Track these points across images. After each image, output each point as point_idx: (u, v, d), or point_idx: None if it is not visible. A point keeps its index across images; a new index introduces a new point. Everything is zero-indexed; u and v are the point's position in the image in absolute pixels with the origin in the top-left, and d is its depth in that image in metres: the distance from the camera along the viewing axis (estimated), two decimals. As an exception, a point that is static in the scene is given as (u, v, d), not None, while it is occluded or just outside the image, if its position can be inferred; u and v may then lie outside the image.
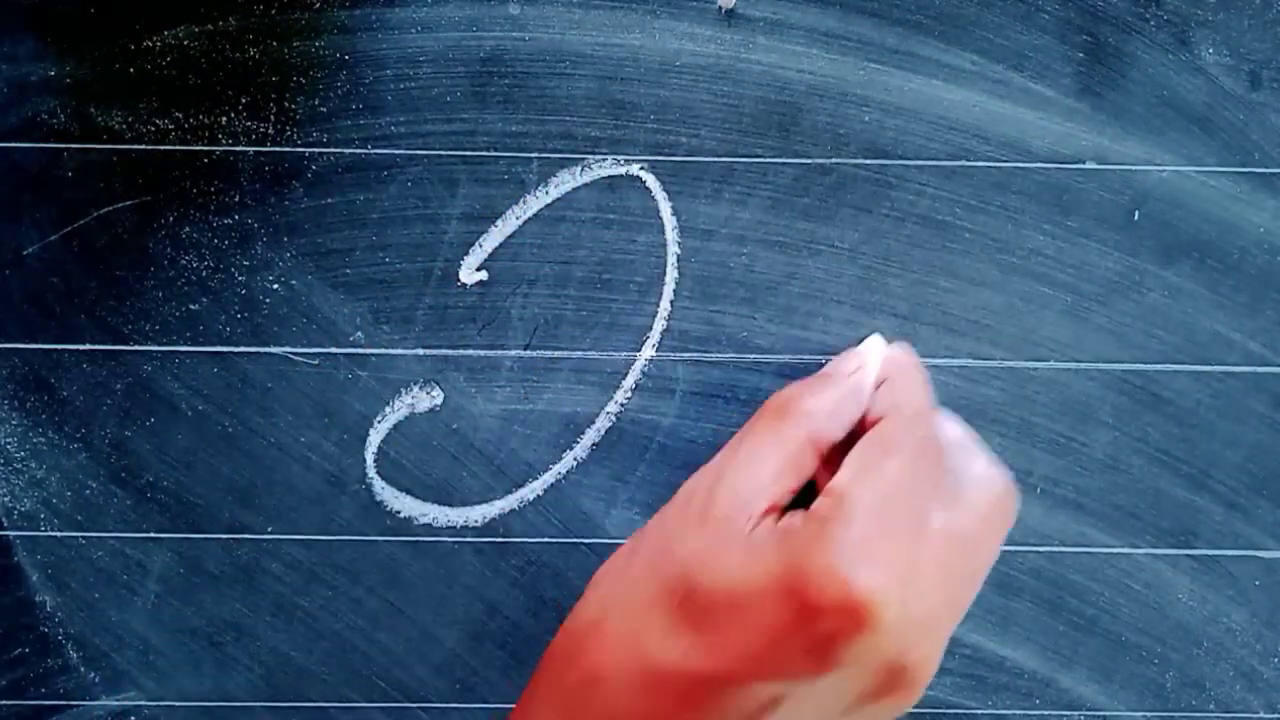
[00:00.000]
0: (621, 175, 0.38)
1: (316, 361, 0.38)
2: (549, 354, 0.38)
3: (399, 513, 0.39)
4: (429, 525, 0.39)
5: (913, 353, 0.36)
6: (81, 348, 0.38)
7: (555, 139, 0.37)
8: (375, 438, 0.39)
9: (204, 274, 0.38)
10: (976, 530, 0.32)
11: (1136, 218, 0.38)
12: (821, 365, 0.37)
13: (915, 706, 0.40)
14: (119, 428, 0.38)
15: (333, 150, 0.37)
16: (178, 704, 0.39)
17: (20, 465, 0.38)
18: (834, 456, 0.33)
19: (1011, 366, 0.38)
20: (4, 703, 0.39)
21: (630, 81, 0.37)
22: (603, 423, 0.39)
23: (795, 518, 0.31)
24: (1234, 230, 0.38)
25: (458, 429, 0.39)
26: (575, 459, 0.39)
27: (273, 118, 0.37)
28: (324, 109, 0.37)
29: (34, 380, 0.38)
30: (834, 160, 0.38)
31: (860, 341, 0.37)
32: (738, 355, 0.38)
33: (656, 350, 0.38)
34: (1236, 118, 0.38)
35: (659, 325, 0.38)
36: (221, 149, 0.37)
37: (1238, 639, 0.40)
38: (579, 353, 0.38)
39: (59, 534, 0.39)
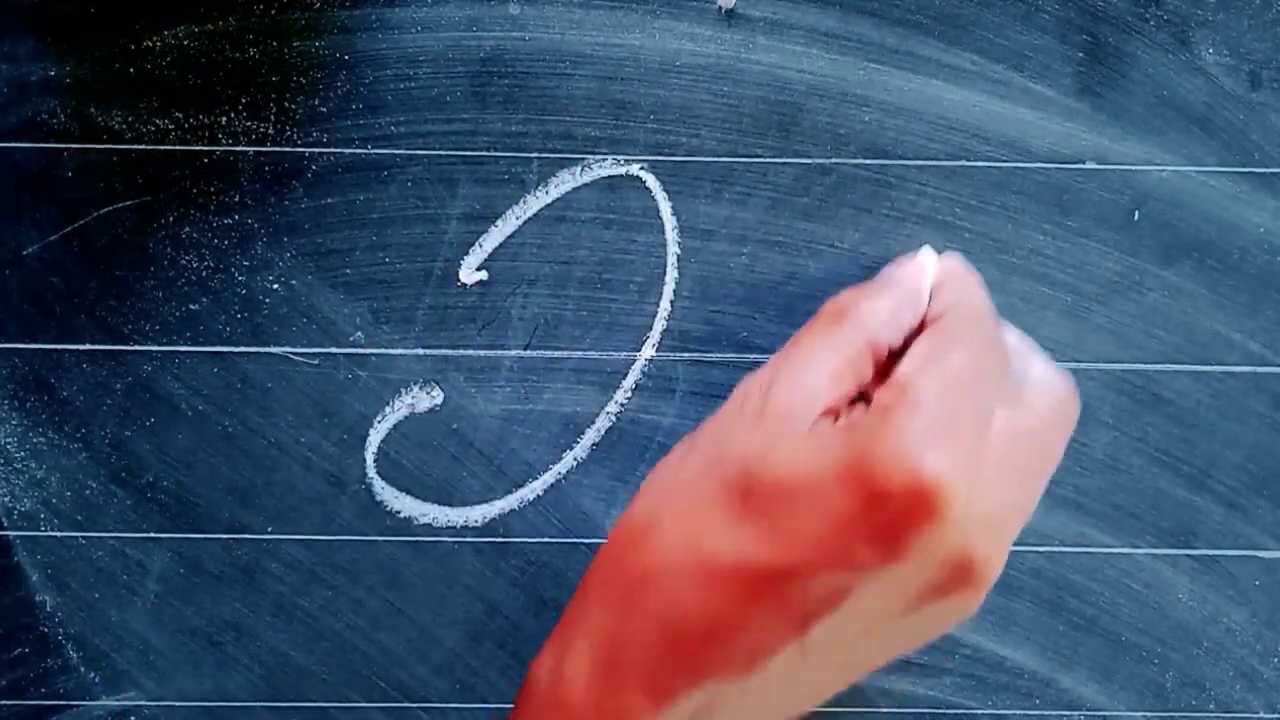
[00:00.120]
0: (621, 175, 0.38)
1: (316, 361, 0.38)
2: (549, 354, 0.38)
3: (399, 513, 0.39)
4: (429, 525, 0.39)
5: (967, 262, 0.35)
6: (81, 348, 0.38)
7: (555, 139, 0.37)
8: (375, 438, 0.39)
9: (204, 274, 0.38)
10: (1040, 431, 0.32)
11: (1136, 218, 0.38)
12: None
13: (915, 706, 0.40)
14: (119, 428, 0.38)
15: (333, 150, 0.37)
16: (178, 704, 0.39)
17: (20, 465, 0.38)
18: (889, 367, 0.32)
19: (1011, 366, 0.38)
20: (4, 703, 0.39)
21: (630, 81, 0.37)
22: (603, 423, 0.39)
23: (856, 412, 0.31)
24: (1234, 230, 0.38)
25: (458, 429, 0.39)
26: (575, 459, 0.39)
27: (273, 118, 0.37)
28: (324, 109, 0.37)
29: (34, 380, 0.38)
30: (834, 160, 0.38)
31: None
32: (738, 355, 0.38)
33: (656, 350, 0.38)
34: (1236, 118, 0.38)
35: (659, 325, 0.38)
36: (221, 149, 0.37)
37: (1238, 639, 0.40)
38: (579, 353, 0.38)
39: (59, 534, 0.39)
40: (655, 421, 0.39)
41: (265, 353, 0.38)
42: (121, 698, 0.39)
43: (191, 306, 0.38)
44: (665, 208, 0.38)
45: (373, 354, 0.38)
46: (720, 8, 0.37)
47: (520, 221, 0.38)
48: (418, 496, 0.39)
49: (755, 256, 0.38)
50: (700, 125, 0.37)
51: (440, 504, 0.39)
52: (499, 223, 0.38)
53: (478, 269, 0.38)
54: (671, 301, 0.38)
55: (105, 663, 0.39)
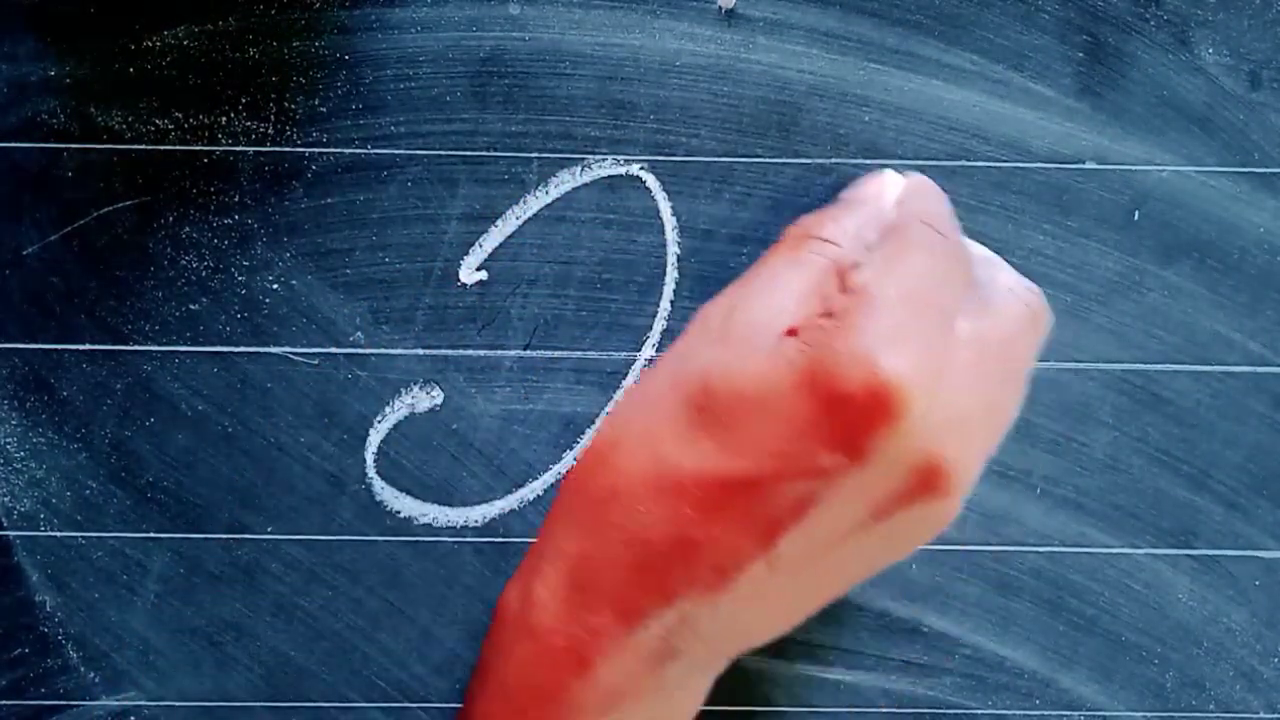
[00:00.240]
0: (621, 175, 0.38)
1: (316, 361, 0.38)
2: (549, 354, 0.38)
3: (399, 513, 0.39)
4: (429, 525, 0.39)
5: (929, 180, 0.35)
6: (81, 348, 0.38)
7: (555, 139, 0.37)
8: (375, 438, 0.39)
9: (204, 274, 0.38)
10: (1008, 338, 0.32)
11: (1136, 218, 0.38)
12: None
13: (915, 706, 0.40)
14: (119, 428, 0.38)
15: (333, 150, 0.37)
16: (178, 704, 0.39)
17: (20, 465, 0.38)
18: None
19: (1011, 366, 0.38)
20: (4, 703, 0.39)
21: (630, 81, 0.37)
22: (603, 423, 0.39)
23: (815, 322, 0.30)
24: (1234, 230, 0.38)
25: (458, 429, 0.39)
26: (575, 459, 0.39)
27: (273, 118, 0.37)
28: (324, 109, 0.37)
29: (34, 380, 0.38)
30: (834, 160, 0.38)
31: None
32: (738, 355, 0.38)
33: (656, 350, 0.38)
34: (1236, 118, 0.38)
35: (659, 325, 0.38)
36: (221, 149, 0.37)
37: (1238, 639, 0.40)
38: (579, 353, 0.38)
39: (59, 534, 0.39)
40: (655, 421, 0.39)
41: (265, 353, 0.38)
42: (121, 698, 0.39)
43: (191, 306, 0.38)
44: (665, 208, 0.38)
45: (373, 354, 0.38)
46: (720, 8, 0.37)
47: (520, 221, 0.38)
48: (418, 496, 0.39)
49: (755, 256, 0.38)
50: (700, 125, 0.37)
51: (440, 504, 0.39)
52: (499, 223, 0.38)
53: (478, 269, 0.38)
54: (671, 301, 0.38)
55: (105, 663, 0.39)
